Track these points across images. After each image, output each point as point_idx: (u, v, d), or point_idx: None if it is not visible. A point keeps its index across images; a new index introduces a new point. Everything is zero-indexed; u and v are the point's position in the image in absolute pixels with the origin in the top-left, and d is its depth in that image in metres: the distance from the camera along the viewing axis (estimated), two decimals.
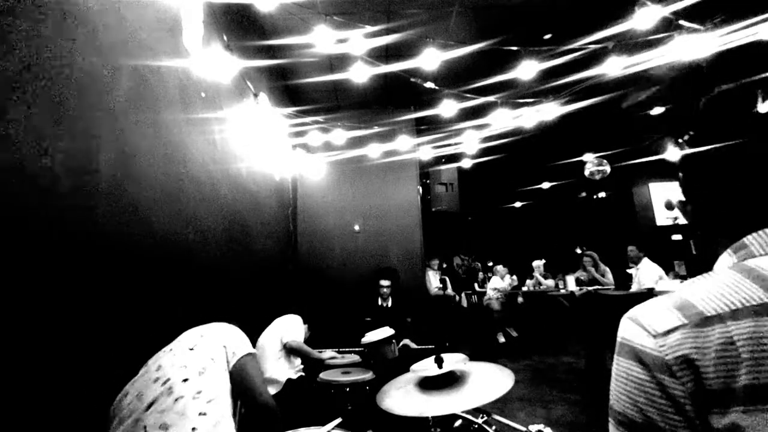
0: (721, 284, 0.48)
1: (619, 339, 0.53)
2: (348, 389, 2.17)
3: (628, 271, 4.94)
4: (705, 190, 0.58)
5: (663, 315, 0.49)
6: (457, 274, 7.42)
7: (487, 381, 1.30)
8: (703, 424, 0.43)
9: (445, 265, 6.49)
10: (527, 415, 3.20)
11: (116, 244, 1.43)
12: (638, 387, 0.48)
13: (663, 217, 7.82)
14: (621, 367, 0.51)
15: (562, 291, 5.84)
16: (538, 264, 6.75)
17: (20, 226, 1.05)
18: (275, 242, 3.84)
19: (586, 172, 6.37)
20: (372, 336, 2.41)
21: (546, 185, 8.76)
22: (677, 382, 0.45)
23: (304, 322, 2.76)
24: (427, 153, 4.89)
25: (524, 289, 6.65)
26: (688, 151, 0.59)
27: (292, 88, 4.48)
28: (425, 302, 4.72)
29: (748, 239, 0.52)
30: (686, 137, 0.59)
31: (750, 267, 0.48)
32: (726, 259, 0.53)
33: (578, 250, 8.13)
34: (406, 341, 3.37)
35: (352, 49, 3.10)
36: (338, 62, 3.91)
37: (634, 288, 4.53)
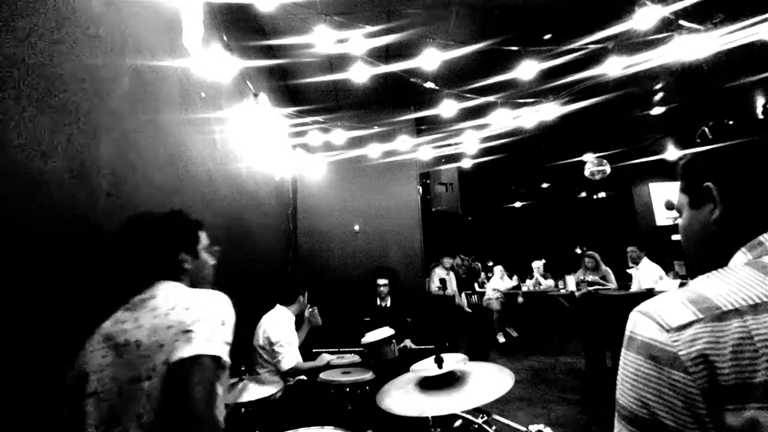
0: (738, 280, 0.48)
1: (628, 333, 0.52)
2: (348, 389, 2.17)
3: (628, 271, 4.93)
4: (733, 195, 0.57)
5: (677, 309, 0.48)
6: (457, 274, 7.42)
7: (487, 381, 1.30)
8: (716, 422, 0.42)
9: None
10: (527, 415, 3.20)
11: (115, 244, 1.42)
12: (646, 383, 0.47)
13: (663, 217, 7.82)
14: (629, 362, 0.50)
15: (562, 291, 5.85)
16: (538, 264, 6.76)
17: (20, 226, 1.05)
18: (275, 242, 3.84)
19: (586, 172, 6.37)
20: (372, 336, 2.41)
21: (546, 185, 8.76)
22: (689, 379, 0.43)
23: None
24: (427, 153, 4.89)
25: (524, 289, 6.65)
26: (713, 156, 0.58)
27: (292, 88, 4.47)
28: (425, 302, 4.71)
29: (765, 237, 0.52)
30: (730, 143, 0.57)
31: (767, 263, 0.49)
32: (740, 257, 0.53)
33: (578, 251, 8.14)
34: (407, 341, 3.37)
35: (352, 49, 3.10)
36: (338, 62, 3.91)
37: (634, 288, 4.53)
